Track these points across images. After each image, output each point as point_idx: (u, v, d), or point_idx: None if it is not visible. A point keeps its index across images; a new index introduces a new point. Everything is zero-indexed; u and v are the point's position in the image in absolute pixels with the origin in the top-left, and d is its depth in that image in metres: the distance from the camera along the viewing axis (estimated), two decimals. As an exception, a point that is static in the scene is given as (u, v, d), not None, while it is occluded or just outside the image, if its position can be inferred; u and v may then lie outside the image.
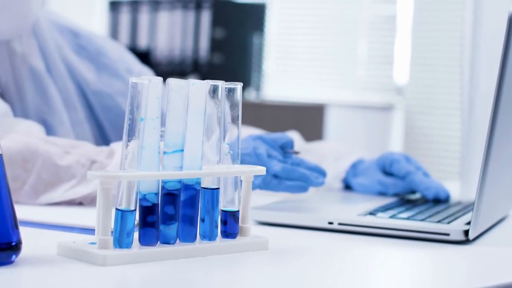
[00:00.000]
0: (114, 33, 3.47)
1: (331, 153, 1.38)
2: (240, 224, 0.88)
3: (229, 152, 0.87)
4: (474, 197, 0.96)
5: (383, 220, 1.02)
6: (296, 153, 1.19)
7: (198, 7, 3.30)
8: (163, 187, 0.82)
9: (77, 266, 0.76)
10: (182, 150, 0.82)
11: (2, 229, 0.74)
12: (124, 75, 1.45)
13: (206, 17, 3.29)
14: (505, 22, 0.90)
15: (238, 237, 0.88)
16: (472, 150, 1.38)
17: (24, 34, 1.34)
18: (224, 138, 0.86)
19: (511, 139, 1.02)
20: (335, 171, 1.34)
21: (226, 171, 0.86)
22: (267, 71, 3.95)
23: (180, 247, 0.82)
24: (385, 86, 3.95)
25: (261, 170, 0.89)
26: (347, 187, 1.35)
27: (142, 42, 3.41)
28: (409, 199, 1.25)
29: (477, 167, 0.98)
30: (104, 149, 1.15)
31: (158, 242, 0.82)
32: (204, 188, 0.85)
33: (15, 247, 0.75)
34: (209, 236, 0.85)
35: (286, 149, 1.19)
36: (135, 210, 0.80)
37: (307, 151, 1.36)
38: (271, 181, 1.14)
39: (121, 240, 0.79)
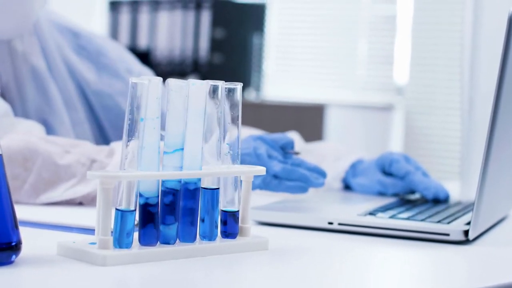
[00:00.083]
0: (114, 33, 3.47)
1: (331, 154, 1.38)
2: (240, 224, 0.88)
3: (229, 152, 0.87)
4: (474, 197, 0.96)
5: (383, 220, 1.02)
6: (297, 153, 1.19)
7: (198, 7, 3.30)
8: (163, 187, 0.82)
9: (77, 266, 0.76)
10: (182, 149, 0.82)
11: (2, 229, 0.74)
12: (124, 75, 1.45)
13: (206, 17, 3.29)
14: (505, 22, 0.90)
15: (238, 237, 0.88)
16: (472, 150, 1.39)
17: (26, 33, 1.34)
18: (224, 138, 0.86)
19: (511, 139, 1.02)
20: (335, 171, 1.34)
21: (226, 171, 0.86)
22: (267, 71, 3.95)
23: (180, 247, 0.82)
24: (385, 86, 3.95)
25: (261, 170, 0.89)
26: (347, 187, 1.35)
27: (142, 42, 3.41)
28: (409, 199, 1.25)
29: (477, 167, 0.98)
30: (104, 148, 1.15)
31: (158, 242, 0.82)
32: (204, 188, 0.85)
33: (15, 247, 0.75)
34: (209, 236, 0.85)
35: (286, 149, 1.19)
36: (135, 210, 0.80)
37: (306, 151, 1.36)
38: (271, 182, 1.14)
39: (121, 240, 0.79)
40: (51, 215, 1.01)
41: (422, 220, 1.03)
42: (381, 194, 1.29)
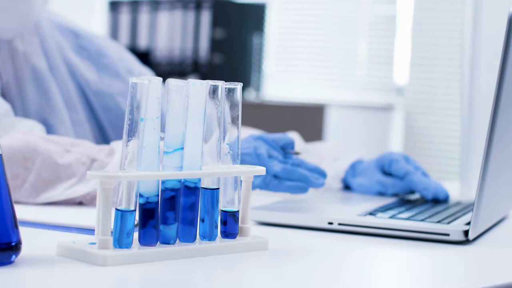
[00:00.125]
0: (114, 33, 3.47)
1: (330, 154, 1.38)
2: (240, 224, 0.88)
3: (229, 152, 0.87)
4: (474, 197, 0.96)
5: (383, 220, 1.02)
6: (297, 153, 1.19)
7: (198, 7, 3.30)
8: (163, 187, 0.82)
9: (77, 266, 0.76)
10: (182, 149, 0.82)
11: (2, 229, 0.74)
12: (124, 76, 1.45)
13: (206, 17, 3.29)
14: (505, 22, 0.90)
15: (238, 237, 0.88)
16: (472, 150, 1.38)
17: (27, 33, 1.34)
18: (224, 138, 0.86)
19: (511, 139, 1.02)
20: (335, 171, 1.34)
21: (226, 171, 0.86)
22: (267, 71, 3.95)
23: (180, 247, 0.82)
24: (385, 86, 3.95)
25: (261, 170, 0.89)
26: (347, 187, 1.36)
27: (142, 42, 3.41)
28: (409, 199, 1.25)
29: (477, 167, 0.98)
30: (104, 147, 1.16)
31: (158, 242, 0.82)
32: (204, 188, 0.85)
33: (15, 247, 0.75)
34: (209, 236, 0.85)
35: (286, 149, 1.19)
36: (135, 210, 0.80)
37: (306, 151, 1.36)
38: (271, 182, 1.14)
39: (121, 240, 0.79)
40: (51, 215, 1.01)
41: (422, 220, 1.03)
42: (381, 194, 1.29)
